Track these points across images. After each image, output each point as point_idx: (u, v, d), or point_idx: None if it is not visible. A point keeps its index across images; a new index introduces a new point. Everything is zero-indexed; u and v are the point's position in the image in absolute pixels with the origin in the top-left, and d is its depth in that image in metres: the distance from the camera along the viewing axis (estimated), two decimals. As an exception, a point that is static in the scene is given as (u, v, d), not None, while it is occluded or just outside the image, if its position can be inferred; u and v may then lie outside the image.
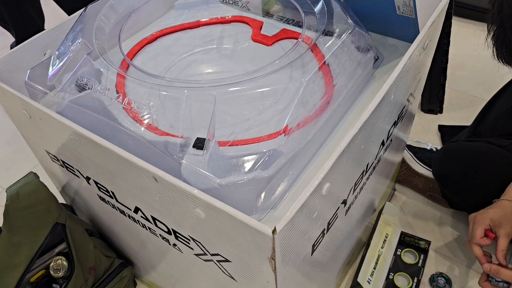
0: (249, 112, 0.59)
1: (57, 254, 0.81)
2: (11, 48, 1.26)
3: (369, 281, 0.88)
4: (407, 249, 0.98)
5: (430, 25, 0.65)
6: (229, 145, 0.54)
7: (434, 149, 1.14)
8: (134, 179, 0.54)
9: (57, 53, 0.64)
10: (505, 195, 0.82)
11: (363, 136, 0.54)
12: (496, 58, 0.75)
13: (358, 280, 0.86)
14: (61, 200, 0.82)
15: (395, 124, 0.73)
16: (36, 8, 1.48)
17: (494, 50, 0.73)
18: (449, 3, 0.74)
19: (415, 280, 0.92)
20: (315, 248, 0.57)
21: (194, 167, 0.49)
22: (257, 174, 0.50)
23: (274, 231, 0.41)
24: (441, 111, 1.35)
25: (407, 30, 0.71)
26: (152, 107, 0.56)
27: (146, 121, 0.56)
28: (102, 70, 0.62)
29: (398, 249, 0.98)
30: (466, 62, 1.52)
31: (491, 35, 0.74)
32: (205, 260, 0.59)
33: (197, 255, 0.59)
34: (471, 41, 1.59)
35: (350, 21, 0.65)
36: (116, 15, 0.71)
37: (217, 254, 0.54)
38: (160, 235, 0.64)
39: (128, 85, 0.61)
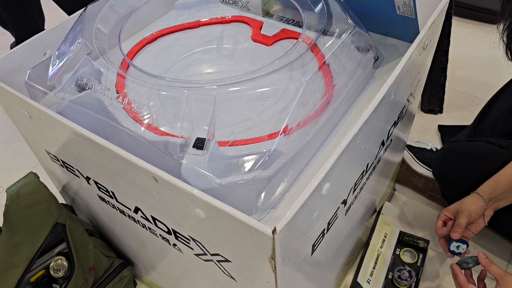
0: (249, 112, 0.59)
1: (57, 254, 0.81)
2: (11, 48, 1.26)
3: (368, 281, 0.88)
4: (406, 249, 0.98)
5: (430, 25, 0.65)
6: (229, 145, 0.54)
7: (434, 149, 1.14)
8: (134, 179, 0.54)
9: (57, 53, 0.65)
10: (478, 189, 0.86)
11: (363, 136, 0.55)
12: (506, 57, 0.74)
13: (358, 280, 0.87)
14: (61, 200, 0.83)
15: (395, 124, 0.73)
16: (36, 8, 1.48)
17: (504, 48, 0.73)
18: (449, 3, 0.74)
19: (415, 280, 0.92)
20: (315, 248, 0.57)
21: (194, 167, 0.49)
22: (257, 174, 0.50)
23: (274, 231, 0.41)
24: (441, 111, 1.35)
25: (407, 30, 0.71)
26: (152, 107, 0.56)
27: (146, 121, 0.56)
28: (102, 70, 0.62)
29: (397, 249, 0.98)
30: (466, 62, 1.52)
31: (501, 33, 0.73)
32: (205, 260, 0.59)
33: (197, 255, 0.59)
34: (471, 41, 1.59)
35: (350, 21, 0.65)
36: (116, 15, 0.71)
37: (217, 254, 0.54)
38: (160, 235, 0.64)
39: (128, 85, 0.61)
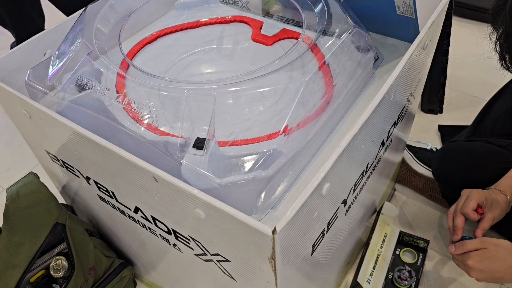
0: (249, 112, 0.59)
1: (57, 254, 0.81)
2: (11, 48, 1.26)
3: (368, 281, 0.88)
4: (406, 249, 0.98)
5: (430, 25, 0.65)
6: (229, 145, 0.54)
7: (434, 149, 1.14)
8: (134, 179, 0.54)
9: (57, 53, 0.65)
10: (497, 185, 0.84)
11: (363, 136, 0.55)
12: (500, 66, 0.75)
13: (358, 280, 0.87)
14: (61, 200, 0.83)
15: (395, 124, 0.73)
16: (36, 8, 1.48)
17: (498, 57, 0.73)
18: (449, 3, 0.74)
19: (415, 280, 0.92)
20: (315, 248, 0.57)
21: (194, 167, 0.49)
22: (257, 174, 0.50)
23: (274, 231, 0.41)
24: (441, 111, 1.35)
25: (407, 30, 0.71)
26: (152, 107, 0.56)
27: (146, 121, 0.56)
28: (102, 70, 0.62)
29: (397, 249, 0.98)
30: (466, 62, 1.52)
31: (494, 42, 0.74)
32: (205, 260, 0.59)
33: (197, 255, 0.59)
34: (471, 41, 1.59)
35: (350, 21, 0.65)
36: (116, 15, 0.71)
37: (217, 254, 0.54)
38: (160, 235, 0.64)
39: (128, 85, 0.61)
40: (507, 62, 0.75)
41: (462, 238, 0.80)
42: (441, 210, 1.09)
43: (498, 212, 0.80)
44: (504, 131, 0.96)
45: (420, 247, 0.98)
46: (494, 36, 0.75)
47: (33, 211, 0.73)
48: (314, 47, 0.64)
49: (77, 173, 0.69)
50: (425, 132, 1.30)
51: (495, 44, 0.75)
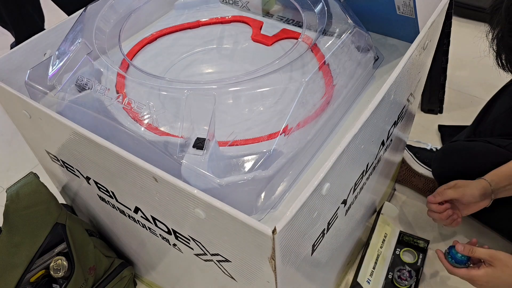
0: (249, 112, 0.59)
1: (57, 254, 0.81)
2: (11, 48, 1.26)
3: (368, 281, 0.88)
4: (406, 249, 0.98)
5: (430, 25, 0.65)
6: (229, 145, 0.54)
7: (434, 149, 1.14)
8: (134, 179, 0.54)
9: (57, 53, 0.65)
10: (486, 175, 0.86)
11: (363, 136, 0.55)
12: (496, 64, 0.75)
13: (358, 280, 0.87)
14: (61, 200, 0.82)
15: (395, 124, 0.73)
16: (36, 8, 1.48)
17: (495, 57, 0.74)
18: (449, 3, 0.74)
19: (415, 280, 0.92)
20: (315, 248, 0.57)
21: (194, 167, 0.49)
22: (257, 174, 0.50)
23: (274, 231, 0.41)
24: (441, 111, 1.35)
25: (407, 30, 0.71)
26: (152, 107, 0.57)
27: (146, 121, 0.56)
28: (102, 70, 0.62)
29: (397, 249, 0.98)
30: (466, 62, 1.52)
31: (490, 41, 0.74)
32: (205, 260, 0.59)
33: (197, 255, 0.59)
34: (471, 41, 1.59)
35: (350, 21, 0.65)
36: (116, 15, 0.71)
37: (217, 254, 0.54)
38: (160, 235, 0.64)
39: (128, 85, 0.61)
40: (503, 61, 0.75)
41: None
42: (441, 210, 1.09)
43: (462, 184, 0.85)
44: (504, 131, 0.96)
45: (420, 247, 0.98)
46: (491, 36, 0.75)
47: (33, 211, 0.73)
48: (314, 47, 0.64)
49: (77, 173, 0.69)
50: (425, 132, 1.30)
51: (492, 43, 0.75)
